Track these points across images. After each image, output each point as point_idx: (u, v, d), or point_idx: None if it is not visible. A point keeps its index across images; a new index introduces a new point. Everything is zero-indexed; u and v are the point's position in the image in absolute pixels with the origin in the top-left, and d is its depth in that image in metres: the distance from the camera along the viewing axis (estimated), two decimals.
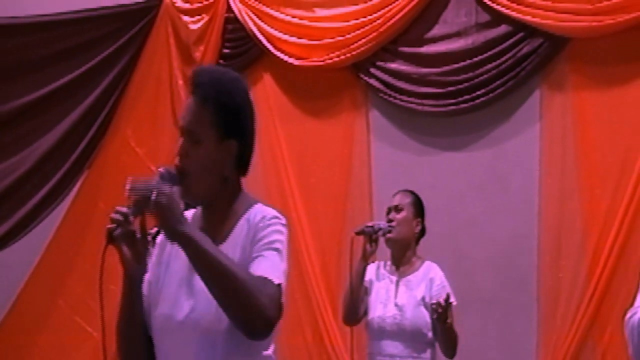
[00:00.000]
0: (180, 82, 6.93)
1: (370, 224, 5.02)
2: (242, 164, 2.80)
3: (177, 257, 2.74)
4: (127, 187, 2.62)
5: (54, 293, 7.20)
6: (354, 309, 4.95)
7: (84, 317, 6.99)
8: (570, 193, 5.87)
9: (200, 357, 2.65)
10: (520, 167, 6.05)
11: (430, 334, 4.85)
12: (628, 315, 3.49)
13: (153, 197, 2.53)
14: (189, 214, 2.83)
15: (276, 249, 2.67)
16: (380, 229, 4.94)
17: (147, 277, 2.75)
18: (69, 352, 7.07)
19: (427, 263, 4.99)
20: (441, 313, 4.58)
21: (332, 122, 6.59)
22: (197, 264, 2.57)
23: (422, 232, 5.09)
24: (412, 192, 5.11)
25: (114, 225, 2.56)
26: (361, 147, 6.49)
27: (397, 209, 5.01)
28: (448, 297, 4.61)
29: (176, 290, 2.72)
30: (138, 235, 2.63)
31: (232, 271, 2.54)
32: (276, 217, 2.73)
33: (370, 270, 5.00)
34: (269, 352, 2.76)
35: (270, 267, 2.62)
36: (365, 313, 4.96)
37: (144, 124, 7.10)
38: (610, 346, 5.62)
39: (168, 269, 2.77)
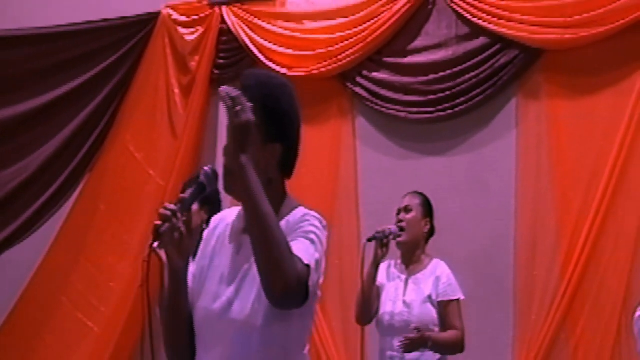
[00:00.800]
0: (177, 90, 6.91)
1: (380, 229, 4.93)
2: (287, 167, 2.78)
3: (221, 253, 2.74)
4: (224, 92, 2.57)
5: (57, 290, 7.14)
6: (367, 310, 4.91)
7: (85, 313, 6.97)
8: (545, 195, 5.86)
9: (236, 350, 2.62)
10: (498, 171, 6.03)
11: (437, 330, 4.82)
12: (638, 313, 3.55)
13: (235, 116, 2.48)
14: (235, 211, 2.79)
15: (311, 240, 2.61)
16: (390, 233, 4.90)
17: (192, 270, 2.72)
18: (71, 346, 7.01)
19: (435, 261, 4.98)
20: (407, 345, 4.61)
21: (321, 128, 6.53)
22: (244, 196, 2.53)
23: (432, 231, 5.07)
24: (420, 194, 5.11)
25: (161, 222, 2.54)
26: (348, 151, 6.47)
27: (407, 209, 4.99)
28: (418, 330, 4.61)
29: (217, 285, 2.69)
30: (184, 231, 2.60)
31: (268, 215, 2.49)
32: (316, 217, 2.70)
33: (382, 271, 4.96)
34: (304, 351, 2.72)
35: (302, 249, 2.55)
36: (377, 312, 4.92)
37: (142, 130, 7.06)
38: (582, 339, 5.61)
39: (212, 264, 2.75)
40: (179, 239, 2.60)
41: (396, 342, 4.76)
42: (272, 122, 2.68)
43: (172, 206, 2.58)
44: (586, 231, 5.63)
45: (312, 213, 2.70)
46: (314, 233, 2.63)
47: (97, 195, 7.14)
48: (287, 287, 2.49)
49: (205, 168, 2.72)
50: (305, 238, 2.61)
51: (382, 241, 4.88)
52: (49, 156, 7.25)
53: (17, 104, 7.33)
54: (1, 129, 7.35)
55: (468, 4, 6.09)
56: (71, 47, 7.28)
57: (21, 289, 7.21)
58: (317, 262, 2.59)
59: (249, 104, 2.50)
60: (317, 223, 2.66)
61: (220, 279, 2.69)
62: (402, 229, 4.91)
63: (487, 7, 6.04)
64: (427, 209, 5.05)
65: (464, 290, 5.50)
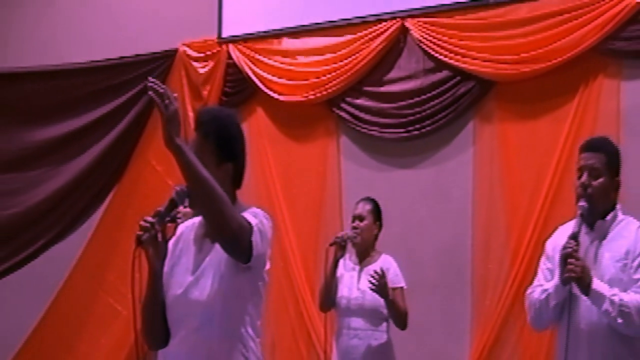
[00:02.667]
0: (191, 114, 6.85)
1: (339, 234, 5.07)
2: (237, 180, 2.85)
3: (186, 253, 2.83)
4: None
5: (92, 280, 7.18)
6: (328, 299, 4.98)
7: (116, 299, 6.98)
8: (497, 201, 5.85)
9: (201, 325, 2.72)
10: (458, 182, 6.02)
11: (385, 312, 4.86)
12: (528, 291, 3.59)
13: (165, 109, 2.55)
14: (197, 220, 2.88)
15: (254, 215, 2.74)
16: (348, 237, 5.00)
17: (164, 270, 2.80)
18: (104, 326, 7.05)
19: (384, 256, 5.02)
20: (375, 285, 4.63)
21: (310, 146, 6.56)
22: (185, 169, 2.59)
23: (380, 229, 5.11)
24: (370, 200, 5.14)
25: (142, 232, 2.66)
26: (333, 165, 6.46)
27: (360, 218, 5.03)
28: (382, 272, 4.66)
29: (183, 277, 2.78)
30: (160, 239, 2.73)
31: (207, 179, 2.57)
32: (261, 210, 2.81)
33: (340, 265, 5.02)
34: (258, 323, 2.82)
35: (247, 216, 2.69)
36: (335, 296, 4.97)
37: (162, 146, 6.87)
38: (527, 321, 5.59)
39: (179, 262, 2.82)
40: (156, 245, 2.72)
41: (352, 322, 4.85)
42: (224, 147, 2.78)
43: (150, 219, 2.70)
44: (530, 231, 5.63)
45: (257, 209, 2.81)
46: (256, 214, 2.75)
47: (125, 202, 7.15)
48: (233, 231, 2.61)
49: (177, 187, 2.78)
50: (250, 214, 2.74)
51: (340, 244, 4.98)
52: (86, 169, 7.26)
53: (59, 126, 7.35)
54: (47, 147, 7.37)
55: (433, 43, 6.07)
56: (104, 79, 7.30)
57: (63, 279, 7.24)
58: (260, 230, 2.71)
59: (174, 95, 2.59)
60: (259, 211, 2.79)
61: (185, 271, 2.78)
62: (356, 234, 5.00)
63: (448, 46, 6.02)
64: (377, 214, 5.11)
65: (429, 281, 5.57)
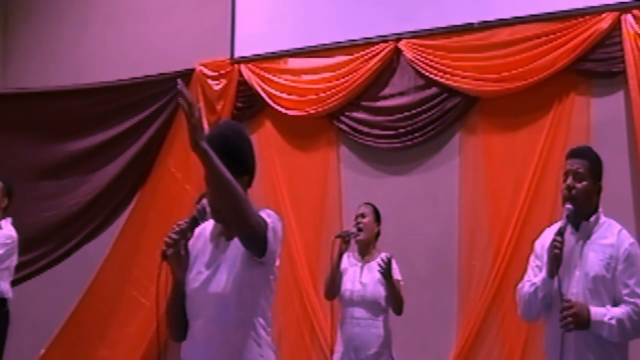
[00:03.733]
0: (206, 126, 6.76)
1: (345, 230, 5.09)
2: (249, 187, 2.83)
3: (204, 251, 2.80)
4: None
5: (118, 275, 7.20)
6: (333, 288, 4.98)
7: (140, 292, 6.99)
8: (480, 205, 5.84)
9: (217, 316, 2.70)
10: (445, 187, 6.00)
11: (384, 303, 4.87)
12: (519, 285, 3.56)
13: (191, 116, 2.47)
14: (212, 221, 2.85)
15: (268, 215, 2.71)
16: (352, 233, 5.00)
17: None
18: (129, 317, 7.05)
19: (383, 253, 4.98)
20: (385, 269, 4.69)
21: (313, 155, 6.56)
22: (209, 170, 2.56)
23: (379, 233, 5.12)
24: (372, 205, 5.15)
25: (166, 247, 2.65)
26: (334, 172, 6.46)
27: (363, 215, 5.05)
28: (389, 259, 4.74)
29: (201, 272, 2.76)
30: (183, 253, 2.72)
31: (230, 180, 2.54)
32: (272, 211, 2.77)
33: (344, 259, 5.02)
34: (269, 314, 2.79)
35: (262, 215, 2.66)
36: (339, 289, 4.97)
37: (181, 155, 6.98)
38: (507, 311, 5.55)
39: (196, 261, 2.80)
40: (180, 258, 2.71)
41: (355, 312, 4.86)
42: (238, 165, 2.72)
43: (174, 235, 2.67)
44: (510, 231, 5.62)
45: (270, 210, 2.78)
46: (269, 214, 2.72)
47: (148, 205, 7.17)
48: (252, 226, 2.59)
49: (198, 206, 2.78)
50: (265, 214, 2.71)
51: (345, 238, 4.98)
52: (114, 177, 7.29)
53: (90, 139, 7.38)
54: (80, 157, 7.40)
55: (423, 62, 6.06)
56: (131, 95, 7.32)
57: (93, 274, 7.26)
58: (274, 229, 2.68)
59: (198, 104, 2.54)
60: (272, 212, 2.76)
61: (203, 266, 2.76)
62: (360, 230, 5.00)
63: (437, 65, 6.01)
64: (377, 216, 5.12)
65: (420, 276, 5.56)
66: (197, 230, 2.88)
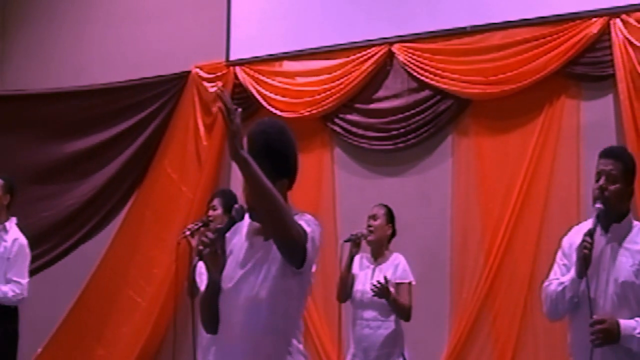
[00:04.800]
0: (202, 128, 6.90)
1: (354, 233, 4.97)
2: (290, 189, 2.74)
3: (239, 248, 2.70)
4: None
5: (115, 275, 7.19)
6: (344, 291, 4.93)
7: (136, 292, 6.99)
8: (473, 206, 5.86)
9: (248, 318, 2.60)
10: (438, 188, 6.02)
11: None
12: (545, 284, 3.47)
13: (231, 123, 2.37)
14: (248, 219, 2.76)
15: (307, 223, 2.60)
16: (362, 235, 4.93)
17: None
18: (125, 317, 7.05)
19: (395, 254, 4.95)
20: (376, 292, 4.62)
21: (308, 156, 6.36)
22: (250, 180, 2.46)
23: (393, 234, 5.04)
24: (385, 205, 5.06)
25: (203, 247, 2.57)
26: (328, 174, 6.46)
27: (375, 217, 4.97)
28: (385, 281, 4.63)
29: (234, 270, 2.67)
30: (219, 252, 2.65)
31: (270, 189, 2.44)
32: (312, 217, 2.67)
33: (356, 261, 4.96)
34: (300, 320, 2.72)
35: (302, 224, 2.55)
36: (351, 293, 4.92)
37: (177, 157, 7.05)
38: (499, 312, 5.62)
39: (231, 255, 2.72)
40: (216, 258, 2.64)
41: (365, 314, 4.79)
42: (278, 166, 2.63)
43: (211, 235, 2.58)
44: (502, 232, 5.64)
45: (309, 215, 2.68)
46: (309, 223, 2.61)
47: (145, 205, 7.16)
48: (293, 238, 2.48)
49: (236, 206, 2.69)
50: (304, 222, 2.59)
51: (355, 242, 4.92)
52: (111, 177, 7.29)
53: (87, 139, 7.40)
54: (75, 159, 7.42)
55: (416, 66, 6.08)
56: (128, 97, 7.31)
57: (90, 273, 7.26)
58: (313, 238, 2.57)
59: (238, 110, 2.42)
60: (311, 218, 2.65)
61: (236, 265, 2.66)
62: (371, 232, 4.91)
63: (430, 68, 6.03)
64: (390, 217, 5.03)
65: (414, 276, 5.53)
66: (237, 225, 2.77)
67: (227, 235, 2.73)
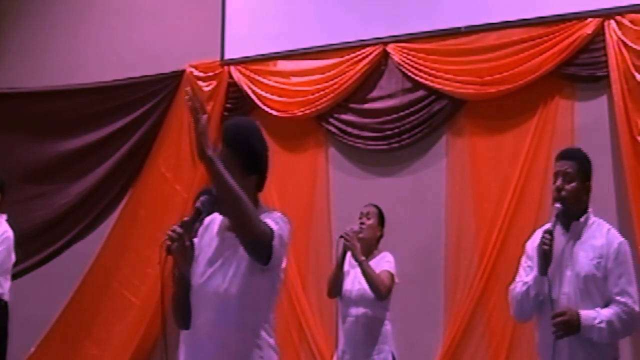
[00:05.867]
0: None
1: (347, 229, 4.91)
2: (260, 187, 2.77)
3: (210, 244, 2.74)
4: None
5: (109, 274, 7.14)
6: (335, 286, 4.90)
7: (129, 291, 6.95)
8: (467, 206, 5.85)
9: (219, 313, 2.65)
10: (433, 188, 6.01)
11: (383, 302, 4.79)
12: (511, 286, 3.57)
13: (198, 123, 2.43)
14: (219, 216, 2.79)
15: (275, 221, 2.65)
16: (354, 231, 4.88)
17: None
18: (119, 316, 7.01)
19: (385, 253, 4.95)
20: (351, 246, 4.65)
21: (302, 156, 6.54)
22: (215, 179, 2.51)
23: (381, 236, 5.03)
24: (378, 207, 5.05)
25: (171, 242, 2.59)
26: (322, 173, 6.44)
27: (368, 216, 4.96)
28: (347, 234, 4.69)
29: (204, 266, 2.71)
30: (187, 245, 2.67)
31: (234, 188, 2.50)
32: (280, 215, 2.72)
33: (347, 261, 4.92)
34: (271, 315, 2.75)
35: (269, 222, 2.60)
36: (342, 289, 4.90)
37: (171, 156, 7.01)
38: (493, 312, 5.61)
39: (202, 252, 2.75)
40: (184, 252, 2.66)
41: (354, 311, 4.77)
42: (249, 162, 2.69)
43: (178, 229, 2.61)
44: (496, 232, 5.64)
45: (278, 213, 2.73)
46: (277, 220, 2.66)
47: (138, 204, 7.11)
48: (257, 236, 2.54)
49: (202, 198, 2.71)
50: (272, 220, 2.65)
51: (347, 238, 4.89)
52: (103, 176, 7.24)
53: (81, 138, 7.35)
54: (68, 157, 7.36)
55: (411, 66, 6.08)
56: (122, 95, 7.27)
57: (84, 273, 7.20)
58: (280, 236, 2.62)
59: (204, 115, 2.49)
60: (279, 216, 2.71)
61: (207, 261, 2.71)
62: (363, 229, 4.90)
63: (425, 69, 6.03)
64: (381, 219, 5.03)
65: (408, 276, 5.52)
66: (207, 219, 2.81)
67: (199, 231, 2.78)
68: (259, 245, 2.57)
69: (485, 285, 5.67)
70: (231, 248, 2.67)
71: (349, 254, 4.92)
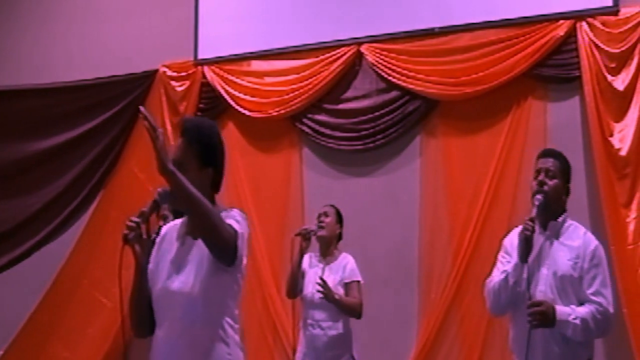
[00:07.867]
0: (169, 127, 6.79)
1: (304, 227, 5.03)
2: (216, 184, 2.82)
3: (170, 250, 2.77)
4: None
5: (80, 275, 7.06)
6: (294, 287, 4.95)
7: (102, 293, 6.86)
8: (441, 206, 5.86)
9: (184, 314, 2.67)
10: (406, 189, 6.01)
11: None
12: (487, 280, 3.57)
13: (157, 139, 2.50)
14: (179, 221, 2.85)
15: (236, 220, 2.70)
16: (312, 230, 4.96)
17: (150, 266, 2.76)
18: (90, 318, 6.93)
19: (344, 254, 4.99)
20: (323, 293, 4.65)
21: (276, 156, 6.52)
22: (178, 191, 2.56)
23: (340, 236, 5.09)
24: (335, 206, 5.12)
25: (128, 231, 2.62)
26: (296, 173, 6.43)
27: (326, 214, 5.02)
28: (323, 281, 4.66)
29: (168, 272, 2.74)
30: (145, 237, 2.69)
31: (199, 197, 2.55)
32: (238, 211, 2.77)
33: (305, 260, 5.00)
34: (236, 311, 2.77)
35: (231, 223, 2.65)
36: (302, 290, 4.94)
37: (144, 156, 6.79)
38: (467, 311, 5.64)
39: (163, 258, 2.77)
40: (142, 242, 2.70)
41: (315, 315, 4.81)
42: (206, 153, 2.75)
43: (136, 218, 2.65)
44: (470, 232, 5.66)
45: (236, 210, 2.78)
46: (237, 219, 2.71)
47: (110, 205, 7.04)
48: (224, 240, 2.59)
49: (159, 189, 2.75)
50: (233, 219, 2.69)
51: (305, 236, 4.94)
52: (75, 177, 7.17)
53: (51, 139, 7.27)
54: (39, 158, 7.29)
55: (385, 66, 6.08)
56: (93, 95, 7.20)
57: (54, 274, 7.13)
58: (242, 235, 2.68)
59: (159, 129, 2.55)
60: (238, 213, 2.76)
61: (169, 266, 2.74)
62: (321, 227, 4.97)
63: (398, 69, 6.03)
64: (339, 217, 5.10)
65: (381, 276, 5.54)
66: (164, 229, 2.88)
67: (158, 240, 2.83)
68: (225, 249, 2.62)
69: (459, 284, 5.68)
70: (192, 250, 2.72)
71: (306, 255, 4.98)
